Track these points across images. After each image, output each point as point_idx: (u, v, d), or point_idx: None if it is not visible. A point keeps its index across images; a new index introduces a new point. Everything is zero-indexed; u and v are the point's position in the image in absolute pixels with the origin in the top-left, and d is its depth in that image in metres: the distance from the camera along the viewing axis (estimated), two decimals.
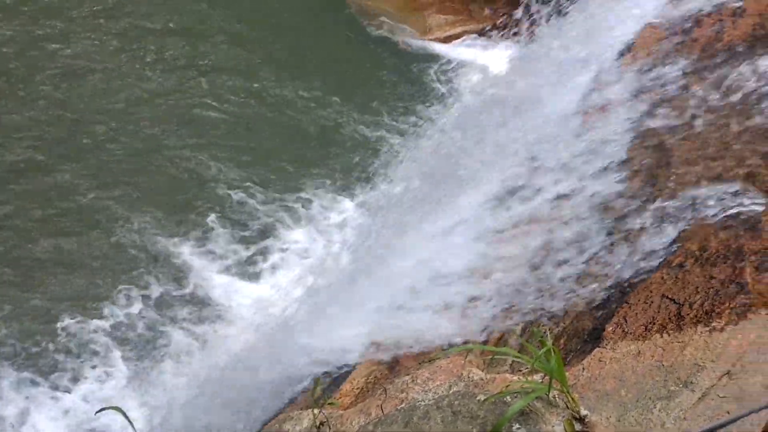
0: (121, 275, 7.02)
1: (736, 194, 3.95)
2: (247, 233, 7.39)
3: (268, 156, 8.32)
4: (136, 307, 6.81)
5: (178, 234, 7.33)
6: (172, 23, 10.16)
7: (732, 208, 3.83)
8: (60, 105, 8.72)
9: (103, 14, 10.05)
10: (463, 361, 3.88)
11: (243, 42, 10.18)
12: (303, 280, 6.40)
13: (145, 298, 6.88)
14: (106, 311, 6.77)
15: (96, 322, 6.68)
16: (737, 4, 5.21)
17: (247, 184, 7.85)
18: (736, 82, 4.71)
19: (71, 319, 6.66)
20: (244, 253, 7.20)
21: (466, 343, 4.23)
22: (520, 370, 3.69)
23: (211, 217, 7.48)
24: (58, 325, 6.62)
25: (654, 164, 4.45)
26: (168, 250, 7.18)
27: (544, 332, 3.84)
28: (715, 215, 3.83)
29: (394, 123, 8.87)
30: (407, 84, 9.61)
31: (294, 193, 7.91)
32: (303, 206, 7.76)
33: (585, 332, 3.80)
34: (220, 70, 9.54)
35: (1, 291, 6.79)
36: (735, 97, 4.62)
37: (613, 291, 3.84)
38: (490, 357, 3.79)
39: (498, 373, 3.64)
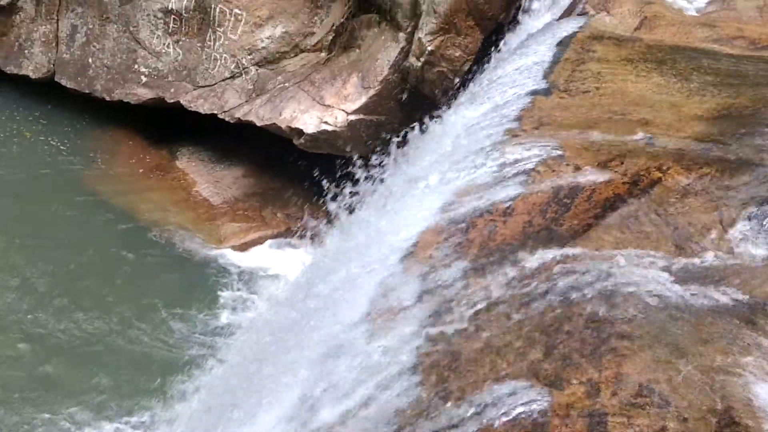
0: None
1: (522, 391, 4.03)
2: None
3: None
4: None
5: None
6: None
7: (518, 406, 3.89)
8: None
9: None
10: None
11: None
12: None
13: None
14: None
15: None
16: (507, 204, 5.51)
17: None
18: (513, 278, 4.91)
19: None
20: None
21: None
22: None
23: None
24: None
25: (444, 367, 4.50)
26: None
27: None
28: (503, 416, 3.88)
29: (179, 341, 8.65)
30: (201, 296, 9.50)
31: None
32: None
33: None
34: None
35: None
36: (513, 292, 4.80)
37: None
38: None
39: None
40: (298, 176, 11.21)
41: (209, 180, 12.08)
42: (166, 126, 12.41)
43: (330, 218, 7.32)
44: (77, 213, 11.02)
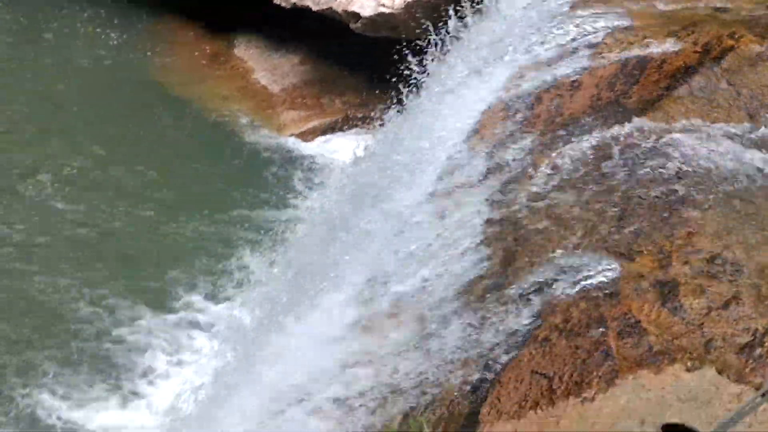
0: None
1: (591, 263, 4.04)
2: (103, 362, 7.04)
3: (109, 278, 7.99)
4: None
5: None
6: None
7: (590, 277, 3.91)
8: None
9: None
10: None
11: (89, 148, 9.93)
12: (168, 403, 6.18)
13: None
14: None
15: None
16: (573, 79, 5.41)
17: (95, 309, 7.51)
18: (580, 152, 4.86)
19: None
20: (102, 384, 6.86)
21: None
22: None
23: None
24: None
25: (511, 242, 4.52)
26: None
27: (421, 425, 3.80)
28: (574, 286, 3.90)
29: (249, 225, 8.77)
30: (262, 183, 9.58)
31: (135, 313, 7.62)
32: (153, 329, 7.49)
33: (462, 417, 3.77)
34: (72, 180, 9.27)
35: None
36: (581, 167, 4.77)
37: (485, 372, 3.84)
38: None
39: None
40: (355, 62, 11.13)
41: (267, 68, 12.04)
42: (223, 15, 12.34)
43: (390, 103, 7.27)
44: (139, 103, 11.12)
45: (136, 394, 6.76)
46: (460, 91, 6.38)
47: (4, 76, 11.39)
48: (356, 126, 10.74)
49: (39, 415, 6.52)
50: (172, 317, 7.47)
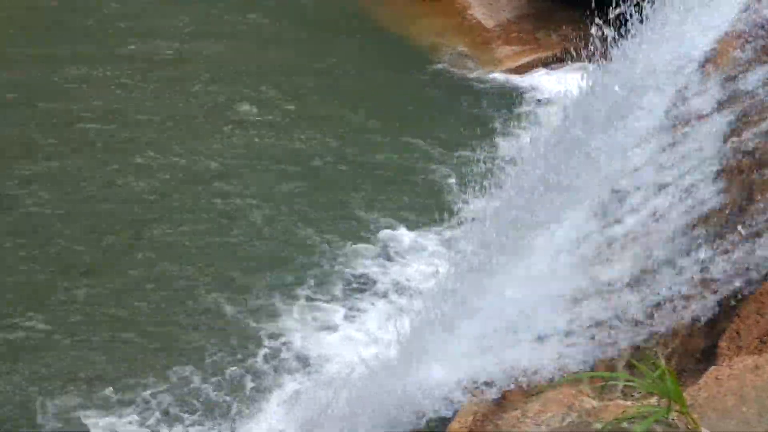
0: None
1: None
2: (330, 279, 7.32)
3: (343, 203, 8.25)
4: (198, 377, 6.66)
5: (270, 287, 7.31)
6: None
7: None
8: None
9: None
10: (573, 391, 3.78)
11: (306, 82, 10.28)
12: (392, 322, 6.33)
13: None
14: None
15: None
16: None
17: (328, 235, 7.78)
18: None
19: None
20: (329, 298, 7.14)
21: (573, 372, 4.14)
22: (633, 396, 3.59)
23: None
24: None
25: (748, 174, 4.33)
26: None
27: (656, 354, 3.74)
28: None
29: (470, 157, 8.79)
30: (482, 117, 9.58)
31: (372, 233, 7.86)
32: (385, 245, 7.70)
33: (697, 351, 3.68)
34: (288, 114, 9.57)
35: None
36: None
37: (721, 306, 3.72)
38: (601, 384, 3.69)
39: (610, 401, 3.55)
40: None
41: (482, 3, 11.96)
42: None
43: (609, 35, 7.03)
44: (351, 38, 11.41)
45: (356, 313, 7.00)
46: (688, 19, 6.11)
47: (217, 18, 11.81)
48: (574, 60, 10.50)
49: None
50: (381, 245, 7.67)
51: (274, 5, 12.10)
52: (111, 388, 6.38)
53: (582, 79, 6.97)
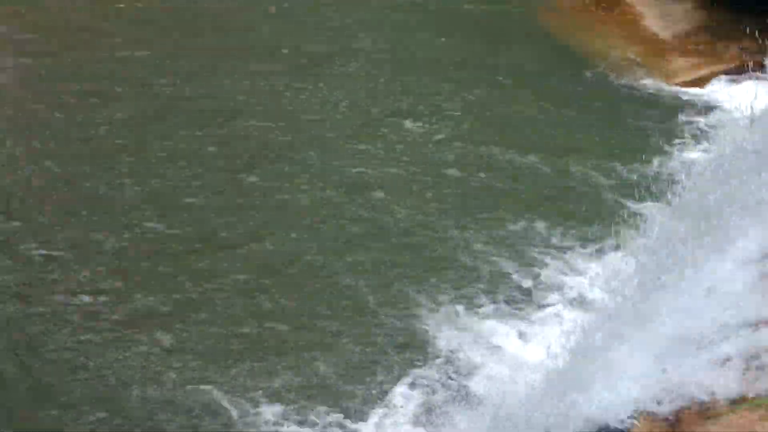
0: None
1: None
2: (495, 287, 7.18)
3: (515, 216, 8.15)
4: None
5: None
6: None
7: None
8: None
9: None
10: (756, 417, 3.60)
11: (472, 88, 10.24)
12: (566, 334, 6.17)
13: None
14: None
15: None
16: None
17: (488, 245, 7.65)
18: None
19: None
20: (499, 306, 7.01)
21: (755, 398, 3.94)
22: None
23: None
24: None
25: None
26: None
27: None
28: None
29: (637, 172, 8.53)
30: (651, 130, 9.30)
31: (542, 244, 7.69)
32: (551, 256, 7.53)
33: None
34: (451, 119, 9.56)
35: None
36: None
37: None
38: None
39: None
40: (753, 4, 10.40)
41: (658, 14, 11.63)
42: None
43: None
44: (522, 46, 11.27)
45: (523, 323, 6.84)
46: None
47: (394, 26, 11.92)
48: (756, 74, 10.07)
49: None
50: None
51: (443, 11, 12.11)
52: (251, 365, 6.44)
53: (753, 100, 6.66)
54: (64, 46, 11.23)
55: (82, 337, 6.71)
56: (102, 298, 7.09)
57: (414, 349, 6.65)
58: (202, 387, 6.24)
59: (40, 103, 9.92)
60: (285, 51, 11.12)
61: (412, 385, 6.28)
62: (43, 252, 7.54)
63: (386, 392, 6.24)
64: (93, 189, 8.40)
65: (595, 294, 6.85)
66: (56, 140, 9.17)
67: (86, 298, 7.07)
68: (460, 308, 6.97)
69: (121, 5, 12.33)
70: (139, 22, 11.85)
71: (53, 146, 9.06)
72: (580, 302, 7.01)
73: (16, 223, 8.00)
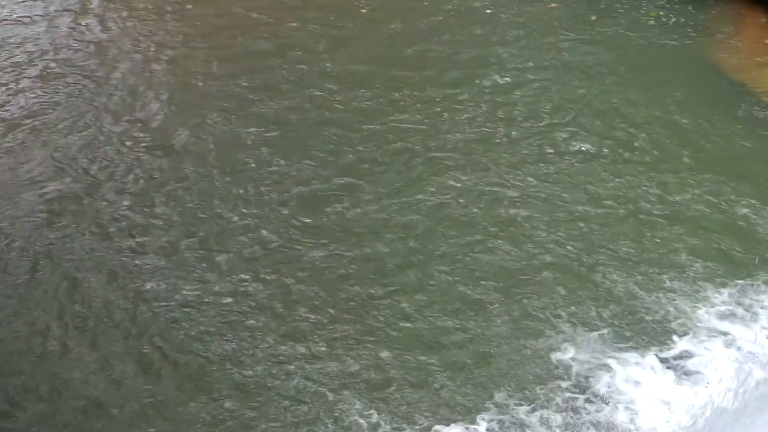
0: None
1: None
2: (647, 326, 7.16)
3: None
4: None
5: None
6: None
7: None
8: None
9: None
10: None
11: (635, 118, 10.28)
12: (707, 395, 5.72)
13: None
14: None
15: None
16: None
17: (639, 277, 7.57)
18: None
19: None
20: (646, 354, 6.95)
21: None
22: None
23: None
24: None
25: None
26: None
27: None
28: None
29: None
30: None
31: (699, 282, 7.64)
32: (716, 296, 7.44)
33: None
34: (611, 149, 9.67)
35: None
36: None
37: None
38: None
39: None
40: None
41: None
42: None
43: None
44: (692, 81, 11.05)
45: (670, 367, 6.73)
46: None
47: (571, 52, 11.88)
48: None
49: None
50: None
51: (614, 40, 12.04)
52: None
53: None
54: None
55: None
56: None
57: None
58: None
59: None
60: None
61: None
62: None
63: None
64: None
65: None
66: None
67: None
68: None
69: None
70: None
71: None
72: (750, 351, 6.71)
73: None
